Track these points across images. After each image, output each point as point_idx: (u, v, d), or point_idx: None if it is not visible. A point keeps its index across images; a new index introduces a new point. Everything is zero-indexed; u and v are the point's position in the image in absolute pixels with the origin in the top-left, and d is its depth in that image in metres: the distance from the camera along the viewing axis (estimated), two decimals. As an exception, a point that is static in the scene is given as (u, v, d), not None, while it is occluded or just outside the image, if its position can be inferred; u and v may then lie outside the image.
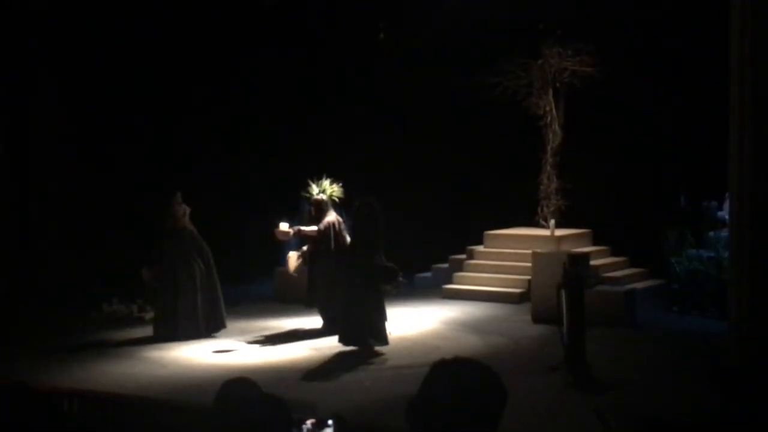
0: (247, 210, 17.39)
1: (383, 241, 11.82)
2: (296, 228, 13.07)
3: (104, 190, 16.18)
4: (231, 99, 17.73)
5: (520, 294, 15.03)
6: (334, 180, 13.20)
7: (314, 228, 13.00)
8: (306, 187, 13.22)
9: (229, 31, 17.47)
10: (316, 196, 13.10)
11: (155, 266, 12.72)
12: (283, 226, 12.98)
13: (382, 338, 11.72)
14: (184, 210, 12.81)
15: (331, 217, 12.85)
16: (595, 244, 16.60)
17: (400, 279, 12.08)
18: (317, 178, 13.20)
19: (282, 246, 16.82)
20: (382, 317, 11.75)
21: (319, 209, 12.99)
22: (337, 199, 13.10)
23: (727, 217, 13.36)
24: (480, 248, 16.72)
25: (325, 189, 13.11)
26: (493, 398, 3.23)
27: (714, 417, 8.27)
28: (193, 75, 17.25)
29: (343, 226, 12.78)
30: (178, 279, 12.64)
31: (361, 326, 11.58)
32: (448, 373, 3.26)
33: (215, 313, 12.83)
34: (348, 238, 12.54)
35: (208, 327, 12.73)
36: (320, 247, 12.96)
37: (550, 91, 16.40)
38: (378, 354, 11.55)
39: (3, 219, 15.02)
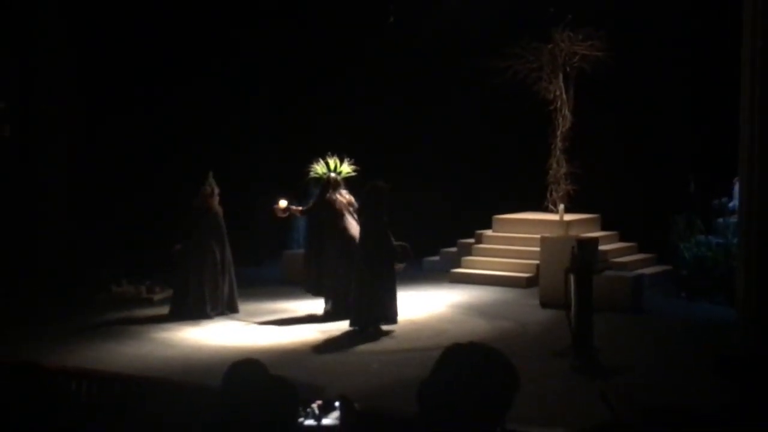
0: (256, 192, 17.41)
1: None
2: (288, 206, 13.17)
3: (113, 173, 16.19)
4: (236, 82, 17.68)
5: (528, 278, 15.03)
6: (342, 158, 13.16)
7: (299, 207, 13.17)
8: (312, 166, 13.19)
9: (234, 8, 17.46)
10: (315, 175, 13.12)
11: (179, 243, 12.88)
12: (282, 203, 13.07)
13: (391, 317, 11.79)
14: (211, 190, 12.87)
15: (330, 196, 12.81)
16: (603, 229, 16.59)
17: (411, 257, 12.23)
18: (321, 158, 13.18)
19: (290, 228, 16.91)
20: (394, 297, 11.84)
21: (323, 188, 13.01)
22: (334, 176, 12.99)
23: (735, 203, 13.33)
24: (488, 232, 16.72)
25: (332, 167, 13.07)
26: (506, 384, 3.24)
27: (719, 404, 8.27)
28: (199, 56, 17.23)
29: (342, 205, 12.71)
30: (191, 258, 12.73)
31: (372, 308, 11.65)
32: (461, 357, 3.27)
33: (225, 296, 12.90)
34: (350, 220, 12.56)
35: (214, 308, 12.78)
36: (312, 227, 13.07)
37: (560, 76, 16.34)
38: (386, 336, 11.59)
39: (11, 200, 15.04)
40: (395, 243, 11.83)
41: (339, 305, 12.45)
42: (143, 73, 16.61)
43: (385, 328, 11.78)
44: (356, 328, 11.77)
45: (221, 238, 12.87)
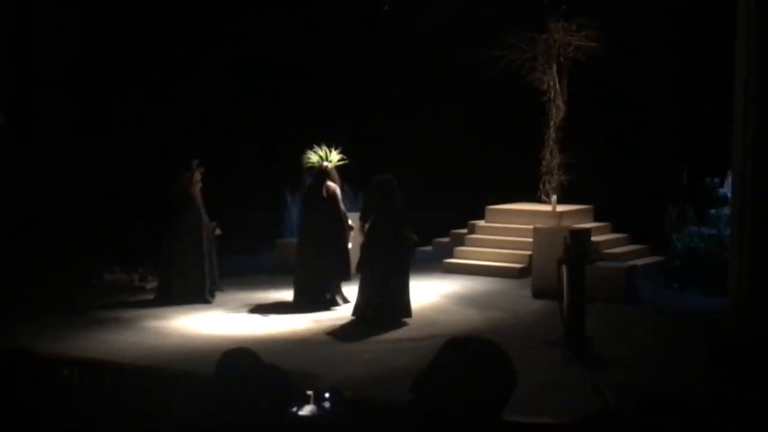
0: (249, 181, 17.40)
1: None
2: None
3: (108, 158, 16.17)
4: (231, 73, 17.65)
5: (521, 269, 15.04)
6: (331, 147, 13.18)
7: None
8: (306, 155, 13.24)
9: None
10: (309, 164, 13.20)
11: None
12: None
13: (408, 310, 11.92)
14: (191, 177, 12.90)
15: (320, 185, 12.87)
16: (596, 220, 16.60)
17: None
18: (311, 148, 13.22)
19: (283, 217, 16.92)
20: (408, 289, 11.99)
21: (315, 177, 13.09)
22: (326, 164, 13.03)
23: (728, 194, 13.34)
24: (481, 223, 16.72)
25: (323, 156, 13.12)
26: (503, 381, 3.23)
27: (713, 393, 8.29)
28: (195, 48, 17.20)
29: (327, 197, 12.76)
30: (174, 246, 12.82)
31: (399, 301, 11.76)
32: (460, 350, 3.26)
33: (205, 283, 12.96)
34: (333, 211, 12.62)
35: (203, 292, 12.88)
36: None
37: (554, 66, 16.34)
38: (380, 327, 11.62)
39: (6, 187, 15.00)
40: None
41: (304, 295, 12.59)
42: (139, 64, 16.58)
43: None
44: (359, 317, 11.80)
45: (200, 226, 12.92)
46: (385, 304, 11.69)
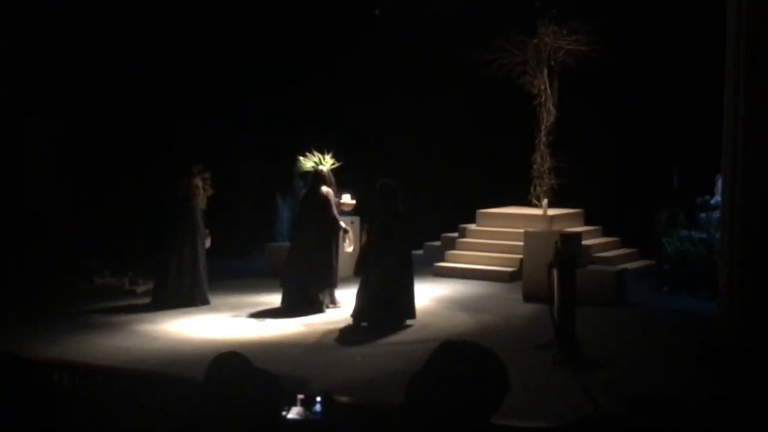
0: (241, 184, 17.39)
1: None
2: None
3: (108, 158, 16.15)
4: (227, 71, 17.63)
5: (512, 273, 15.05)
6: (323, 151, 13.20)
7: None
8: (300, 160, 13.25)
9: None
10: (304, 169, 13.22)
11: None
12: (345, 198, 13.22)
13: (412, 312, 11.92)
14: (188, 183, 12.91)
15: (318, 189, 12.89)
16: (587, 223, 16.63)
17: None
18: (305, 153, 13.23)
19: (274, 222, 16.89)
20: (412, 292, 12.00)
21: (313, 181, 13.12)
22: (321, 168, 13.04)
23: (718, 198, 13.37)
24: (472, 227, 16.73)
25: (318, 160, 13.15)
26: (497, 386, 3.23)
27: (703, 397, 8.30)
28: (191, 50, 17.17)
29: (324, 199, 12.77)
30: (171, 249, 12.83)
31: (403, 302, 11.79)
32: (455, 354, 3.26)
33: (197, 288, 12.95)
34: (330, 214, 12.63)
35: (195, 298, 12.91)
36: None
37: (545, 70, 16.37)
38: (372, 330, 11.61)
39: (5, 187, 14.96)
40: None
41: (290, 297, 12.63)
42: (139, 64, 16.56)
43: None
44: (357, 321, 11.79)
45: (198, 230, 12.93)
46: (386, 307, 11.69)
